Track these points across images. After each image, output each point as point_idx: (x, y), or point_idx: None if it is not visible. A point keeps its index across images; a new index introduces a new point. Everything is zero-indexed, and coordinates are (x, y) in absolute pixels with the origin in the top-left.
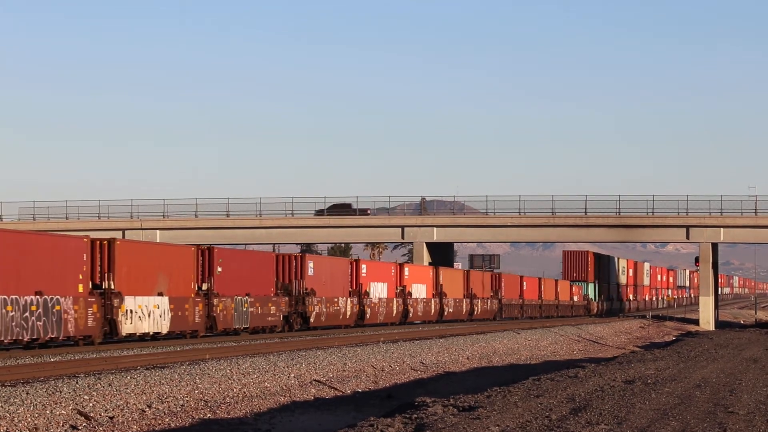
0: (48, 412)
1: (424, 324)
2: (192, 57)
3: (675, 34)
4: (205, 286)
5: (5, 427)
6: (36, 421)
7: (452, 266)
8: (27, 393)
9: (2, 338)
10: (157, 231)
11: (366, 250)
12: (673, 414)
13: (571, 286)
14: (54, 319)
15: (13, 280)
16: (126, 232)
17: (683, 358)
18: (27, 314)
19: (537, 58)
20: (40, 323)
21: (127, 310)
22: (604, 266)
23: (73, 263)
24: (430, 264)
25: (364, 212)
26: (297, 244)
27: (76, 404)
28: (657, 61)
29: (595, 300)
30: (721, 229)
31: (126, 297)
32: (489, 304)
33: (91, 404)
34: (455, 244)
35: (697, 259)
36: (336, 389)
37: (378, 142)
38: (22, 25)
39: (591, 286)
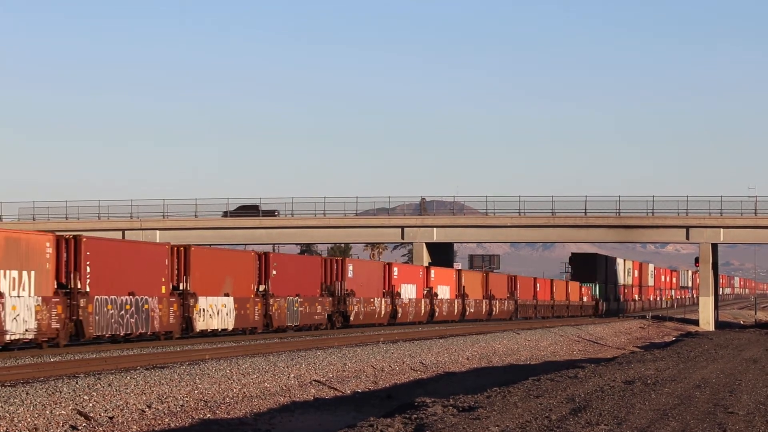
0: (48, 412)
1: (448, 323)
2: (192, 57)
3: (675, 34)
4: (262, 288)
5: (5, 427)
6: (36, 422)
7: (452, 267)
8: (27, 393)
9: (104, 333)
10: (157, 231)
11: (366, 250)
12: (672, 414)
13: (580, 287)
14: (143, 317)
15: (113, 283)
16: (126, 232)
17: (683, 359)
18: (123, 312)
19: (537, 58)
20: (133, 320)
21: (200, 309)
22: (611, 268)
23: (158, 267)
24: (429, 264)
25: (270, 213)
26: (297, 244)
27: (76, 404)
28: (657, 61)
29: (602, 300)
30: (721, 229)
31: (200, 297)
32: (506, 304)
33: (90, 404)
34: (455, 244)
35: (697, 260)
36: (336, 389)
37: (378, 142)
38: (22, 25)
39: (599, 287)
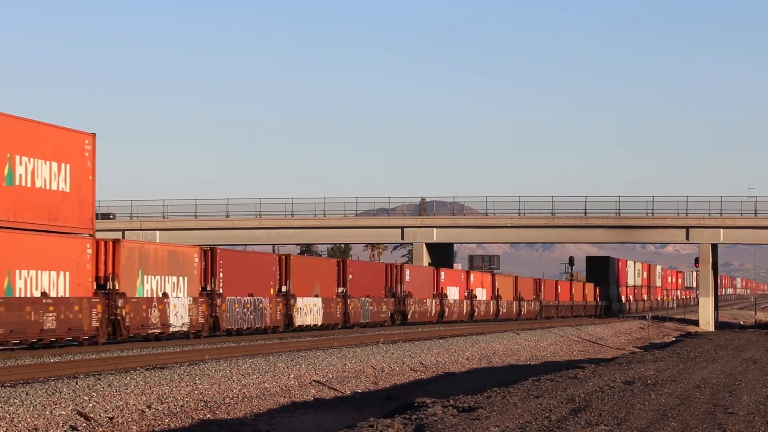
0: (48, 412)
1: (485, 322)
2: (192, 57)
3: (675, 35)
4: (341, 290)
5: (5, 428)
6: (36, 422)
7: (452, 267)
8: (27, 393)
9: (231, 326)
10: (157, 231)
11: (366, 250)
12: (672, 415)
13: (595, 288)
14: (259, 314)
15: (237, 286)
16: (126, 232)
17: (683, 359)
18: (245, 310)
19: (537, 58)
20: (252, 316)
21: (298, 308)
22: (621, 270)
23: (268, 273)
24: (430, 265)
25: (106, 216)
26: (297, 244)
27: (76, 405)
28: (657, 61)
29: (615, 300)
30: (721, 230)
31: (297, 298)
32: (533, 305)
33: (90, 405)
34: (455, 244)
35: (696, 260)
36: (336, 390)
37: (378, 142)
38: (22, 25)
39: (611, 288)
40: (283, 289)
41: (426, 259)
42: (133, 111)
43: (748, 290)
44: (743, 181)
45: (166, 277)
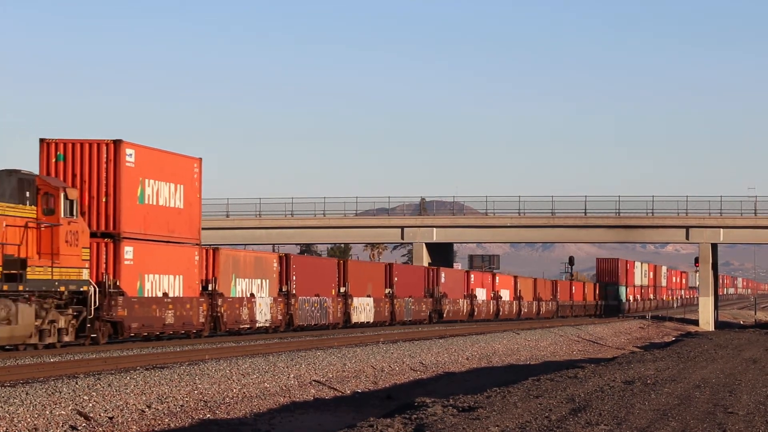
0: (47, 412)
1: (509, 320)
2: (192, 57)
3: (675, 35)
4: (388, 291)
5: (5, 428)
6: (36, 422)
7: (452, 267)
8: (27, 393)
9: (303, 323)
10: None
11: (366, 250)
12: (672, 414)
13: (605, 288)
14: (324, 312)
15: (307, 287)
16: None
17: (683, 359)
18: (313, 308)
19: (537, 58)
20: (318, 314)
21: (354, 306)
22: (630, 270)
23: (330, 275)
24: (429, 264)
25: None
26: (297, 244)
27: (76, 404)
28: (657, 61)
29: (624, 300)
30: (721, 229)
31: (354, 298)
32: (550, 305)
33: (90, 404)
34: (455, 244)
35: (696, 260)
36: (336, 389)
37: (378, 142)
38: (22, 25)
39: (621, 289)
40: (342, 290)
41: (426, 259)
42: (132, 111)
43: (750, 290)
44: (743, 180)
45: (253, 280)
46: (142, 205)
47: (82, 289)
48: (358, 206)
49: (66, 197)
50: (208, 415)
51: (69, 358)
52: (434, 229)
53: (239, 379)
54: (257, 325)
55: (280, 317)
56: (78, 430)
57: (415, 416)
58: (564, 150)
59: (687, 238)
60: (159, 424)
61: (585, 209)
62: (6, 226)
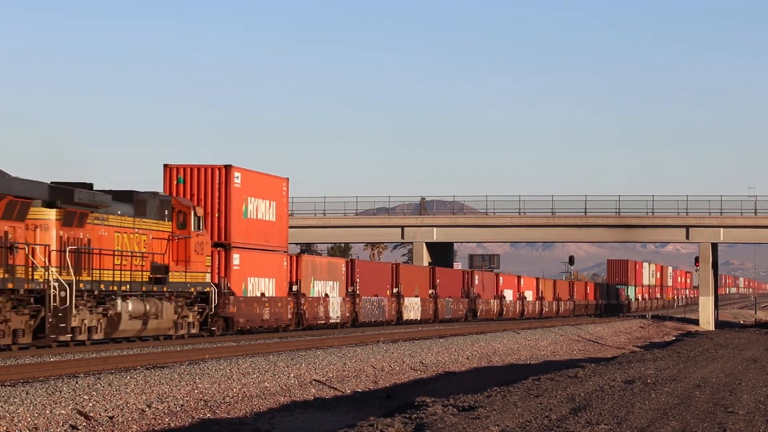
0: (48, 411)
1: (532, 319)
2: (192, 57)
3: (675, 35)
4: (431, 291)
5: (5, 427)
6: (36, 421)
7: (452, 266)
8: (27, 393)
9: (366, 320)
10: None
11: (366, 250)
12: (672, 414)
13: (617, 288)
14: (381, 310)
15: (368, 288)
16: None
17: (683, 358)
18: (373, 307)
19: (537, 58)
20: (377, 312)
21: (405, 305)
22: (639, 271)
23: (385, 277)
24: (429, 264)
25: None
26: (297, 244)
27: (76, 404)
28: (657, 60)
29: (633, 299)
30: (721, 229)
31: (405, 297)
32: (568, 304)
33: (90, 404)
34: (455, 244)
35: (696, 259)
36: (336, 389)
37: (378, 142)
38: (22, 24)
39: (631, 288)
40: (395, 290)
41: (426, 259)
42: (133, 111)
43: (751, 289)
44: (743, 180)
45: (326, 282)
46: (245, 219)
47: (205, 290)
48: (359, 206)
49: (195, 214)
50: (209, 415)
51: (69, 358)
52: (434, 228)
53: (239, 378)
54: (331, 321)
55: (348, 314)
56: (78, 429)
57: (416, 416)
58: (564, 150)
59: (687, 237)
60: (159, 424)
61: (585, 209)
62: (152, 238)
